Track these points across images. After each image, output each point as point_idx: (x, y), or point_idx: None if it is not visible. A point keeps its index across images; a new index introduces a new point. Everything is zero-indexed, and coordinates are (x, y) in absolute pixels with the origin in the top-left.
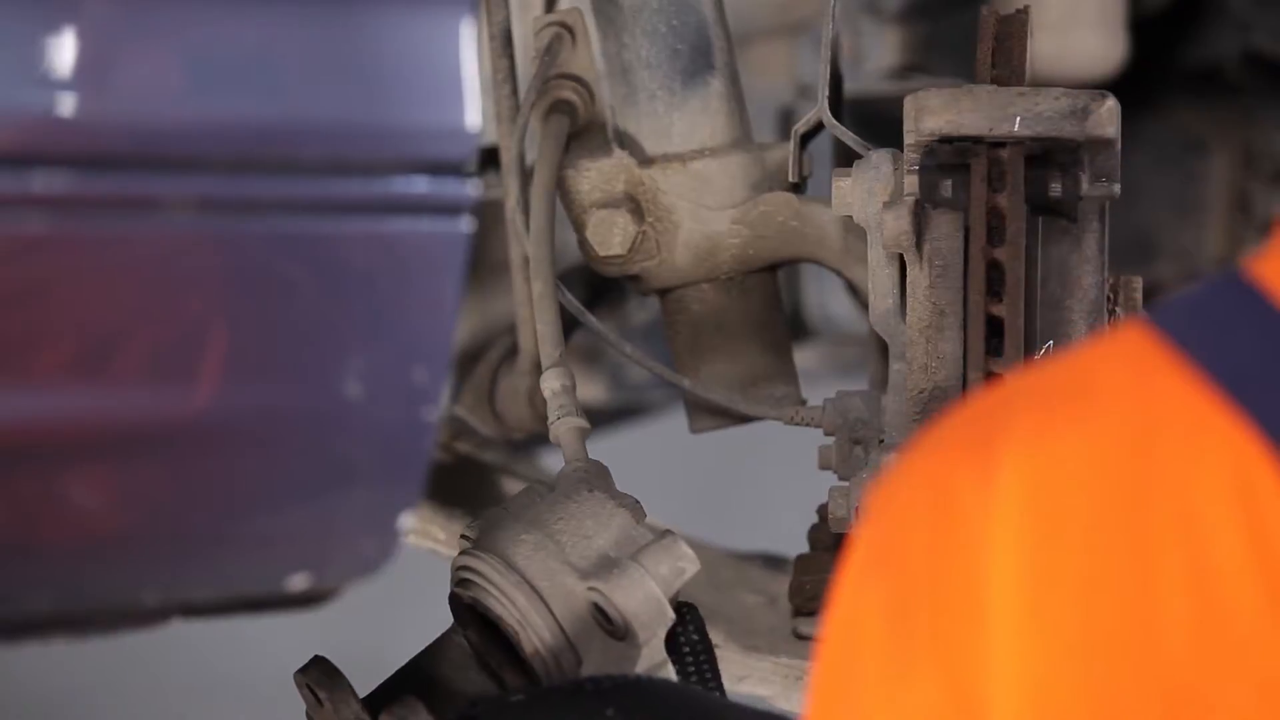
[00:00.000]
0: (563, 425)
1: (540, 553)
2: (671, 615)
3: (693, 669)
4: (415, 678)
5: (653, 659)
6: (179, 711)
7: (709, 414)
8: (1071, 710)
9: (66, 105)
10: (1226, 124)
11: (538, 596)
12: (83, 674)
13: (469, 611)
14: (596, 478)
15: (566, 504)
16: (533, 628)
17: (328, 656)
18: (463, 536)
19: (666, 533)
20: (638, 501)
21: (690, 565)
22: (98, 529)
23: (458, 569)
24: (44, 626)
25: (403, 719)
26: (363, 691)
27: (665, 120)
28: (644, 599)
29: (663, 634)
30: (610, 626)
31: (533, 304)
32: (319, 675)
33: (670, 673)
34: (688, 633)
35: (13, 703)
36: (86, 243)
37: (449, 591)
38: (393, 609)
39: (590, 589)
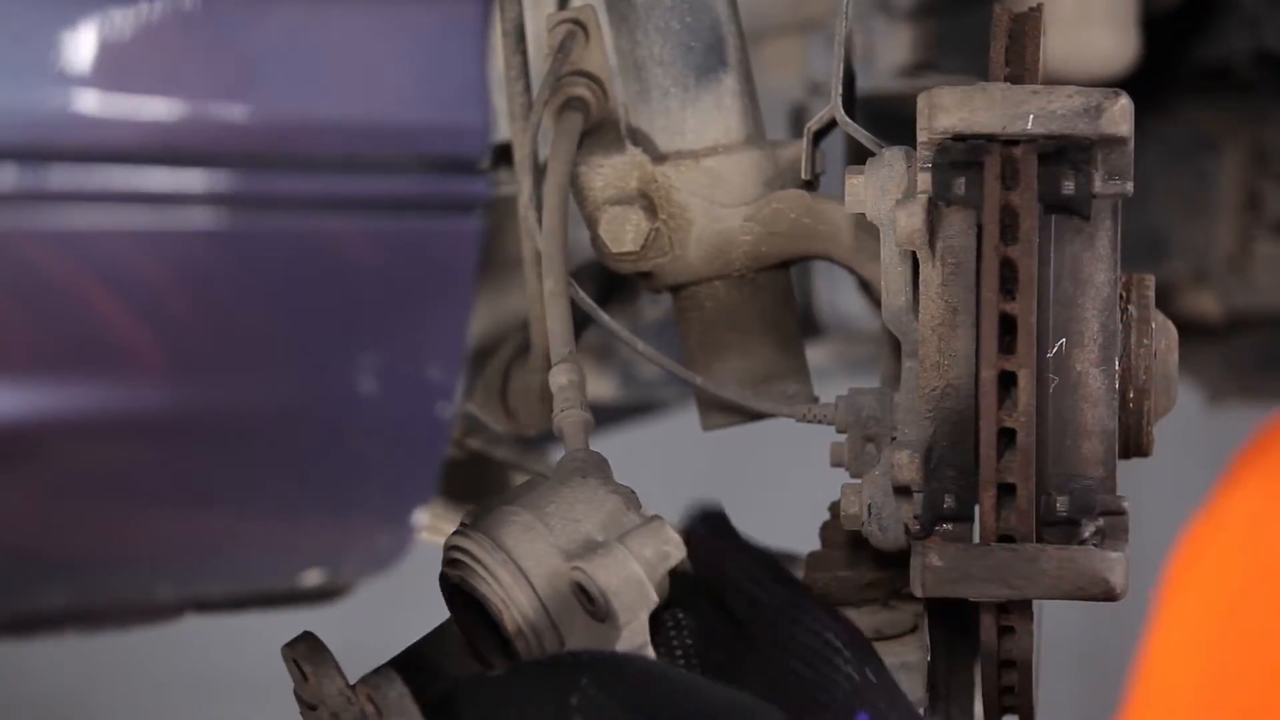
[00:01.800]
0: (566, 417)
1: (528, 534)
2: (654, 598)
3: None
4: (408, 665)
5: (634, 641)
6: (188, 708)
7: (721, 411)
8: None
9: (84, 100)
10: (1237, 122)
11: (522, 575)
12: (89, 670)
13: (458, 592)
14: (593, 467)
15: (559, 489)
16: (516, 606)
17: (340, 652)
18: (461, 523)
19: (655, 518)
20: (633, 492)
21: (676, 550)
22: (113, 522)
23: (448, 549)
24: (58, 621)
25: (377, 687)
26: None
27: (678, 117)
28: (626, 579)
29: (644, 616)
30: (592, 607)
31: (544, 301)
32: (305, 650)
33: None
34: (682, 638)
35: (17, 699)
36: (105, 239)
37: (440, 572)
38: (405, 605)
39: (574, 568)
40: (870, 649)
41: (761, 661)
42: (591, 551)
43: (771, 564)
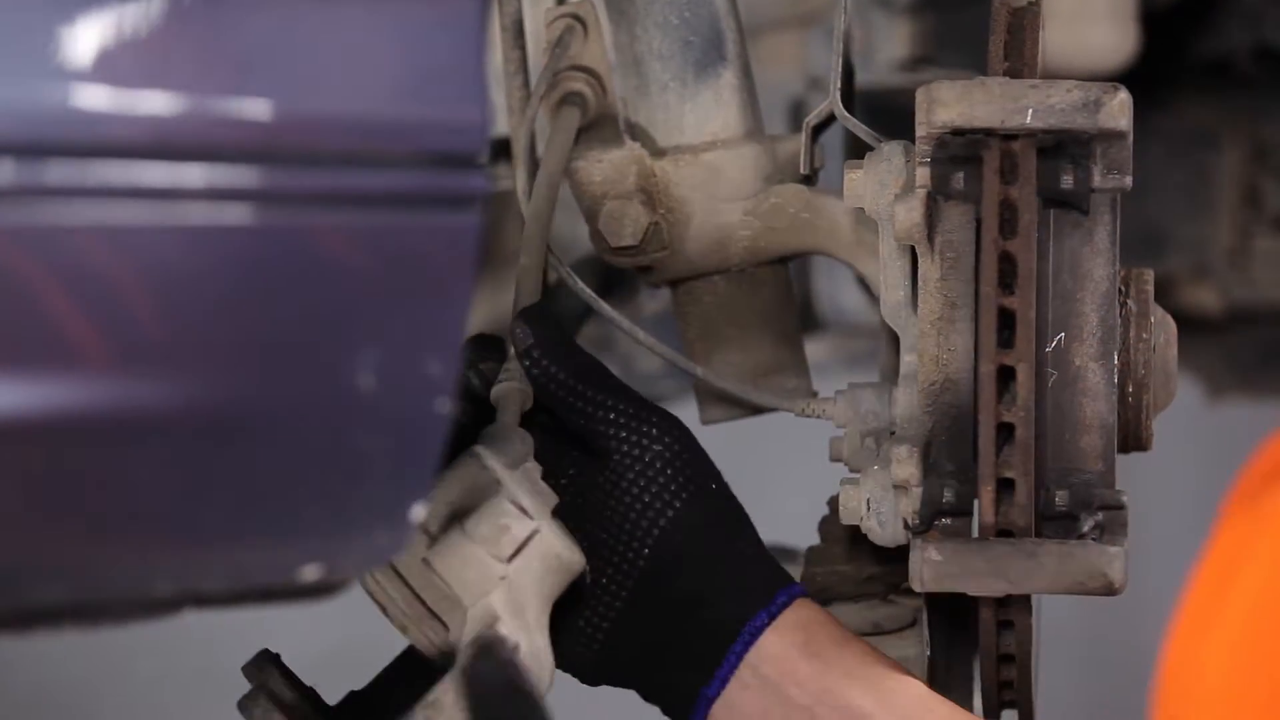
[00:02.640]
0: (503, 387)
1: None
2: (499, 573)
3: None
4: (406, 664)
5: (482, 620)
6: (187, 703)
7: (720, 405)
8: None
9: (79, 94)
10: (1237, 117)
11: (392, 569)
12: (88, 666)
13: None
14: (500, 440)
15: (455, 471)
16: (392, 602)
17: (338, 648)
18: None
19: (497, 497)
20: (538, 467)
21: (514, 523)
22: (112, 518)
23: None
24: (56, 617)
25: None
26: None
27: (677, 112)
28: (464, 560)
29: (493, 596)
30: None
31: (517, 274)
32: (252, 669)
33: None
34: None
35: (16, 696)
36: (105, 235)
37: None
38: None
39: (423, 559)
40: (699, 461)
41: (591, 474)
42: (444, 536)
43: (596, 379)
